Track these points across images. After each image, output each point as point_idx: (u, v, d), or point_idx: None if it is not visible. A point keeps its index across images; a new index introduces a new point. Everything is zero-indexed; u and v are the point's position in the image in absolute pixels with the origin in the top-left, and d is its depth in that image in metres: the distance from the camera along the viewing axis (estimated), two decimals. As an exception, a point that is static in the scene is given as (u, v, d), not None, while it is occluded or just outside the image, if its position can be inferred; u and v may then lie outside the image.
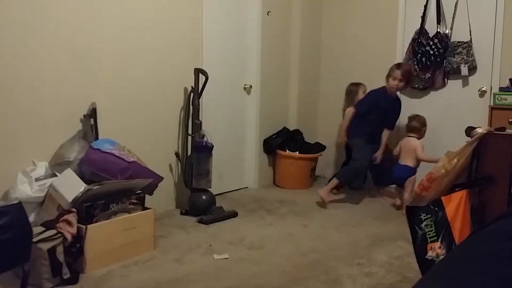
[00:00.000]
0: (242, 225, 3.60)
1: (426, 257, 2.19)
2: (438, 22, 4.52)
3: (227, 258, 2.94)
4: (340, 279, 2.66)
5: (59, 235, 2.48)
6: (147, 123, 3.69)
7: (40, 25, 2.98)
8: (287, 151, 4.79)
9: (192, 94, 3.88)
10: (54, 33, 3.06)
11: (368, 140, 4.19)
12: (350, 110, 4.38)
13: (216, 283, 2.59)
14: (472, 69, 4.41)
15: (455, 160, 2.22)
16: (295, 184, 4.82)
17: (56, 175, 2.85)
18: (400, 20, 4.80)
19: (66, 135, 3.09)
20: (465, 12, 4.39)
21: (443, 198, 2.21)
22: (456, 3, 4.46)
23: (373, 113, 4.17)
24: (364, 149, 4.16)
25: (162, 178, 3.27)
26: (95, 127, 3.22)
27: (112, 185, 2.82)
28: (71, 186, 2.72)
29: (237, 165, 4.70)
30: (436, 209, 2.21)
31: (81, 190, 2.69)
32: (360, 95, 4.69)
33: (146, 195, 3.08)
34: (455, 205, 2.18)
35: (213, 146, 3.77)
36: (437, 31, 4.51)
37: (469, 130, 2.28)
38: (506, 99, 4.03)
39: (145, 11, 3.61)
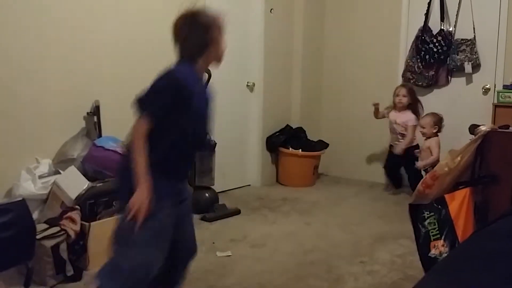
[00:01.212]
0: (245, 223, 3.60)
1: (429, 255, 2.19)
2: (442, 19, 4.50)
3: (229, 255, 2.95)
4: (342, 277, 2.66)
5: (63, 232, 2.49)
6: (150, 120, 3.69)
7: (43, 23, 2.98)
8: (290, 148, 4.79)
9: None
10: (57, 31, 3.06)
11: (179, 190, 1.97)
12: None
13: (219, 280, 2.60)
14: (476, 66, 4.39)
15: (459, 158, 2.21)
16: (298, 182, 4.82)
17: (59, 173, 2.86)
18: (404, 17, 4.78)
19: (69, 133, 3.10)
20: (469, 9, 4.37)
21: (446, 196, 2.21)
22: (460, 1, 4.44)
23: (186, 118, 1.89)
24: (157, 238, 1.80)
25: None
26: (98, 124, 3.22)
27: (115, 183, 2.82)
28: (74, 183, 2.73)
29: (240, 163, 4.70)
30: (439, 207, 2.20)
31: (84, 187, 2.70)
32: (401, 99, 4.33)
33: (149, 193, 3.07)
34: (459, 203, 2.17)
35: (215, 143, 3.77)
36: (440, 29, 4.49)
37: (473, 128, 2.27)
38: (510, 97, 4.02)
39: (149, 9, 3.61)
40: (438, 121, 4.09)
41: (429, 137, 4.08)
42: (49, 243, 2.42)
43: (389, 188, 4.69)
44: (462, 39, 4.41)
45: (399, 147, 4.32)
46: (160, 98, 1.88)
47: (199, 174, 3.74)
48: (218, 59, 2.05)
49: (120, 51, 3.44)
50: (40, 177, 2.82)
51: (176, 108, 1.85)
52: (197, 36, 2.00)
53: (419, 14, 4.62)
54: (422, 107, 4.38)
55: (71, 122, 3.15)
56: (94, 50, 3.27)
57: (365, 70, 5.05)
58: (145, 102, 1.88)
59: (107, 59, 3.36)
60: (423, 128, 4.10)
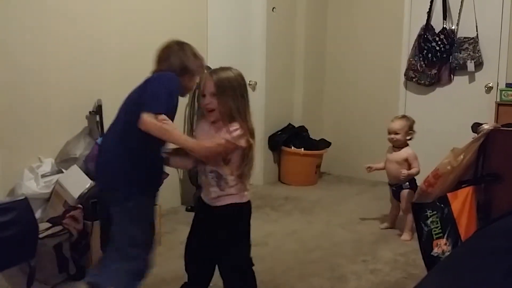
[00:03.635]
0: (247, 222, 3.60)
1: (431, 253, 2.19)
2: (444, 17, 4.49)
3: (232, 254, 2.94)
4: (344, 276, 2.66)
5: (65, 231, 2.50)
6: (152, 119, 3.69)
7: (46, 23, 2.98)
8: (292, 147, 4.79)
9: (197, 91, 3.88)
10: (59, 31, 3.06)
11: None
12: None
13: (220, 279, 2.59)
14: (479, 65, 4.38)
15: (461, 156, 2.21)
16: (300, 180, 4.82)
17: (62, 172, 2.87)
18: (406, 15, 4.77)
19: (72, 132, 3.10)
20: (472, 7, 4.36)
21: (449, 195, 2.21)
22: (463, -1, 4.43)
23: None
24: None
25: (168, 174, 3.26)
26: (100, 123, 3.22)
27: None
28: (77, 182, 2.73)
29: (242, 162, 4.70)
30: (442, 205, 2.20)
31: (87, 186, 2.71)
32: (209, 102, 1.98)
33: (152, 192, 3.08)
34: (461, 202, 2.17)
35: (218, 142, 3.76)
36: (443, 27, 4.48)
37: (476, 126, 2.26)
38: (512, 95, 4.01)
39: (151, 8, 3.61)
40: (412, 126, 3.30)
41: (399, 147, 3.30)
42: (52, 242, 2.43)
43: None
44: (464, 38, 4.40)
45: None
46: (171, 101, 2.02)
47: (201, 173, 3.74)
48: (187, 90, 2.27)
49: (123, 50, 3.44)
50: (43, 176, 2.82)
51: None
52: (179, 58, 2.22)
53: (421, 13, 4.60)
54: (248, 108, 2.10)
55: (74, 121, 3.15)
56: (97, 49, 3.27)
57: (367, 69, 5.04)
58: (162, 104, 1.95)
59: (109, 58, 3.36)
60: (396, 134, 3.25)
